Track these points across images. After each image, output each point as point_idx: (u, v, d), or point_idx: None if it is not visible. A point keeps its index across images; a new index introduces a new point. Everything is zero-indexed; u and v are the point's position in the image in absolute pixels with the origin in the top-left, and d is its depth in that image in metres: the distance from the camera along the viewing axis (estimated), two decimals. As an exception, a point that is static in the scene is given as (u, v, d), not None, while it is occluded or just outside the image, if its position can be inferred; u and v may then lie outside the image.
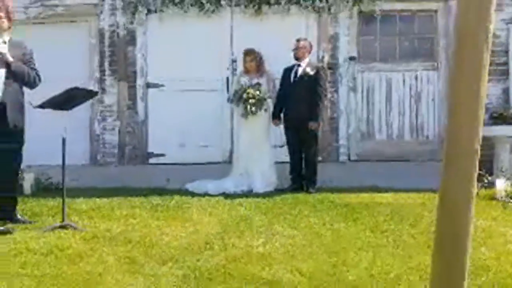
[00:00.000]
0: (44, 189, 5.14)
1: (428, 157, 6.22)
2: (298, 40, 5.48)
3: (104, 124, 6.75)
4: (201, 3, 6.50)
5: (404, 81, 6.66)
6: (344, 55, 6.57)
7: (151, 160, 6.71)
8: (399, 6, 6.59)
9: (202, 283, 2.98)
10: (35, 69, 4.05)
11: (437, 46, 6.60)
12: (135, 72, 6.74)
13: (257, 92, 5.34)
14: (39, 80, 4.08)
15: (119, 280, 2.99)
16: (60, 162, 3.98)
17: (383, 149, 6.55)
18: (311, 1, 6.45)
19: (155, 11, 6.62)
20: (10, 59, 3.81)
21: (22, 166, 4.36)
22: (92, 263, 3.22)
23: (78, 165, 6.13)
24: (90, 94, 4.54)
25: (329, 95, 6.27)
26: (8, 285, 2.90)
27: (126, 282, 2.97)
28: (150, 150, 6.72)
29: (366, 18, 6.65)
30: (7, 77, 3.84)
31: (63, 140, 3.96)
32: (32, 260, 3.26)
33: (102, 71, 6.77)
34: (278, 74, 5.75)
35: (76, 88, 3.96)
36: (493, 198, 4.83)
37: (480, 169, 2.06)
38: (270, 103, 5.55)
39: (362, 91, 6.66)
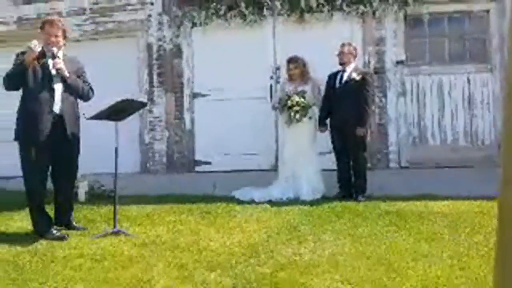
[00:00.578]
0: (97, 197, 5.31)
1: (484, 162, 5.92)
2: (342, 45, 5.37)
3: (153, 133, 6.97)
4: (244, 14, 6.60)
5: (456, 84, 6.40)
6: (391, 59, 6.42)
7: (198, 168, 6.82)
8: (448, 7, 6.37)
9: (251, 291, 2.95)
10: (88, 83, 4.24)
11: (490, 47, 6.30)
12: (181, 83, 6.93)
13: (302, 99, 5.28)
14: (92, 93, 4.26)
15: (170, 286, 3.02)
16: (112, 171, 4.12)
17: (436, 155, 6.31)
18: (355, 7, 6.37)
19: (200, 24, 6.78)
20: (67, 74, 4.01)
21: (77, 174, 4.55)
22: (143, 269, 3.28)
23: (129, 173, 6.33)
24: (139, 105, 4.67)
25: (376, 100, 6.12)
26: (64, 289, 3.01)
27: (176, 289, 3.00)
28: (197, 158, 6.84)
29: (413, 21, 6.48)
30: (64, 91, 4.05)
31: (115, 150, 4.10)
32: (86, 265, 3.37)
33: (151, 83, 7.01)
34: (323, 80, 5.69)
35: (127, 100, 4.09)
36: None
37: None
38: (315, 110, 5.48)
39: (412, 95, 6.46)
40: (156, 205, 4.90)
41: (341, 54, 5.31)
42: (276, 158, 6.19)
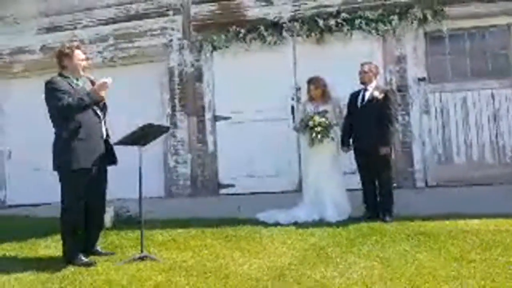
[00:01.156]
0: (123, 222, 5.34)
1: (512, 179, 5.77)
2: (363, 64, 5.37)
3: (177, 157, 7.03)
4: (263, 36, 6.68)
5: (479, 99, 6.30)
6: (413, 76, 6.38)
7: (222, 191, 6.83)
8: (467, 23, 6.32)
9: (280, 316, 2.90)
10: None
11: (512, 62, 6.22)
12: (203, 107, 7.01)
13: (323, 119, 5.26)
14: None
15: (197, 312, 3.00)
16: (137, 196, 4.15)
17: (462, 173, 6.18)
18: (374, 25, 6.39)
19: (220, 48, 6.88)
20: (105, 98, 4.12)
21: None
22: (170, 294, 3.27)
23: (154, 197, 6.38)
24: (163, 130, 4.71)
25: (400, 118, 6.06)
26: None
27: (204, 314, 2.97)
28: (220, 181, 6.86)
29: (433, 38, 6.45)
30: (104, 115, 4.17)
31: (140, 174, 4.13)
32: (114, 291, 3.38)
33: (173, 107, 7.11)
34: (343, 100, 5.68)
35: (150, 125, 4.14)
36: None
37: None
38: (337, 131, 5.45)
39: (436, 112, 6.38)
40: (181, 229, 4.91)
41: (362, 73, 5.30)
42: (299, 179, 6.15)
